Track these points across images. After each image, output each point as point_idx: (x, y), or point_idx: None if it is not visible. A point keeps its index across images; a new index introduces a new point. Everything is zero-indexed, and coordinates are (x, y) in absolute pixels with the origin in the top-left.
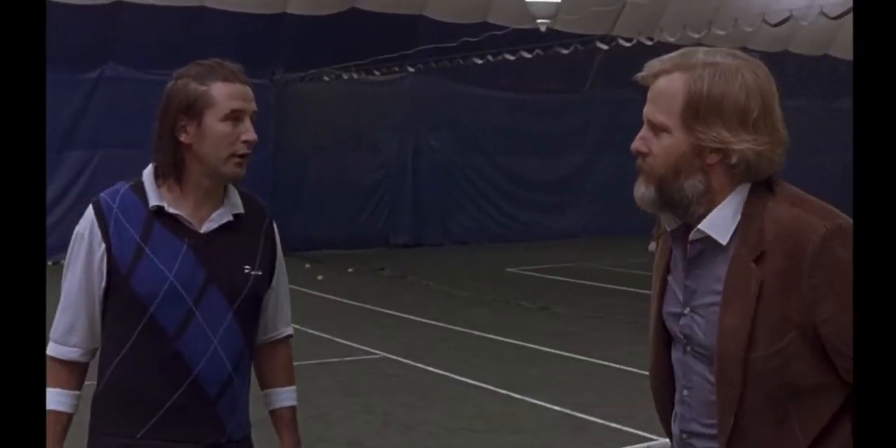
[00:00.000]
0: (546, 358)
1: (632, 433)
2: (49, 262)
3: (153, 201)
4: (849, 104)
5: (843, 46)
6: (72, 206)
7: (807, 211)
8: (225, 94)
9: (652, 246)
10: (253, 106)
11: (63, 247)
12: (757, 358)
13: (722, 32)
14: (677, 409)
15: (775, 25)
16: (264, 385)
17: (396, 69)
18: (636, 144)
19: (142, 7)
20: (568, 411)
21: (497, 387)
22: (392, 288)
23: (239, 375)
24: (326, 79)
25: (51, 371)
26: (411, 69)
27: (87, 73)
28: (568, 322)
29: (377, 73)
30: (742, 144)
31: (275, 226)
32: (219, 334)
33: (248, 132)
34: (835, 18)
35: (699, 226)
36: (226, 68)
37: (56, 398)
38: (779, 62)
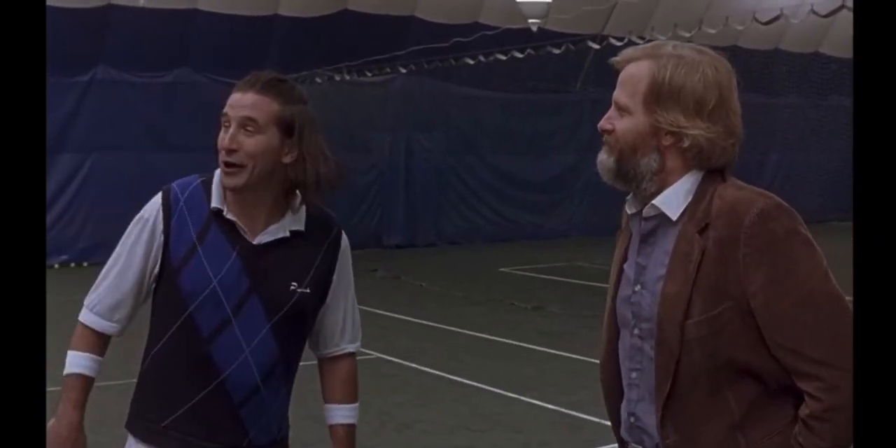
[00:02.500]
0: (540, 357)
1: None
2: None
3: (214, 203)
4: (839, 101)
5: (833, 44)
6: (64, 209)
7: (750, 192)
8: (228, 102)
9: None
10: (242, 112)
11: (57, 250)
12: (690, 324)
13: (713, 31)
14: (626, 394)
15: (766, 23)
16: (325, 399)
17: (388, 70)
18: (602, 123)
19: (133, 9)
20: (563, 410)
21: (492, 386)
22: (386, 288)
23: (269, 386)
24: (318, 80)
25: (84, 337)
26: (403, 70)
27: (79, 76)
28: (561, 321)
29: (369, 74)
30: (695, 130)
31: (343, 244)
32: (252, 345)
33: (225, 139)
34: (825, 16)
35: (653, 201)
36: (250, 78)
37: (86, 363)
38: (770, 60)
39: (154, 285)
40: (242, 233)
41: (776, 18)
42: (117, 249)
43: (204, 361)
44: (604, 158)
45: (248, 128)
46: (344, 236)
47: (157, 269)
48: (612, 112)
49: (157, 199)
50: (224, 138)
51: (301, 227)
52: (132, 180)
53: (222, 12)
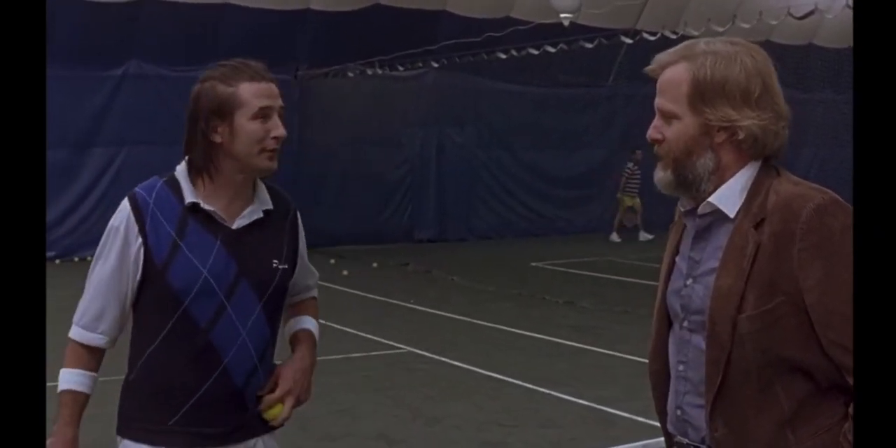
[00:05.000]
0: (571, 352)
1: (659, 427)
2: (75, 258)
3: (188, 198)
4: None
5: None
6: (97, 203)
7: (806, 188)
8: (252, 93)
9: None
10: (279, 102)
11: (89, 243)
12: (743, 318)
13: (747, 25)
14: (673, 387)
15: (800, 18)
16: (291, 315)
17: (420, 64)
18: (650, 133)
19: (165, 4)
20: (594, 405)
21: (523, 381)
22: (417, 283)
23: (263, 365)
24: (350, 74)
25: (73, 354)
26: (435, 64)
27: (112, 70)
28: (593, 316)
29: (400, 68)
30: (747, 120)
31: (299, 217)
32: (247, 326)
33: (277, 128)
34: None
35: (709, 199)
36: (250, 68)
37: (77, 379)
38: (804, 55)
39: (137, 291)
40: (221, 220)
41: (810, 13)
42: (93, 262)
43: (205, 350)
44: (660, 174)
45: (280, 114)
46: (296, 208)
47: (139, 275)
48: (657, 121)
49: (125, 206)
50: (275, 128)
51: (271, 205)
52: (164, 174)
53: (254, 6)
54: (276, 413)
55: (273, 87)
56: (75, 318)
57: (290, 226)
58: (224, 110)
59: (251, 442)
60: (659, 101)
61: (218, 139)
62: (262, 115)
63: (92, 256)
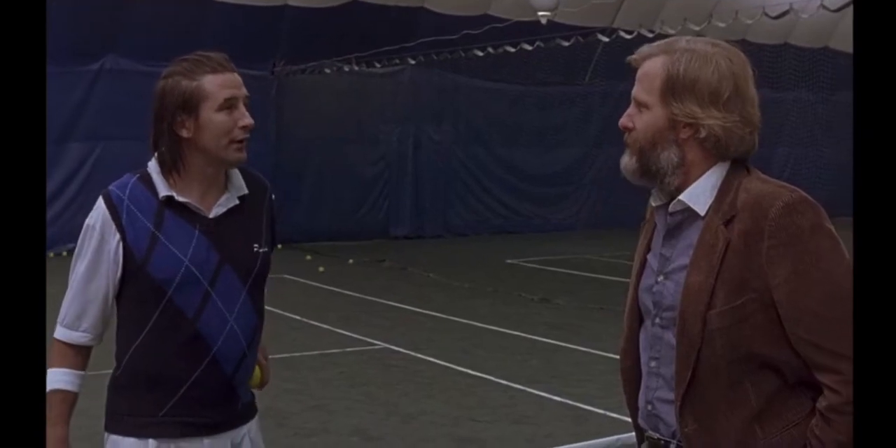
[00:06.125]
0: (547, 349)
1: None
2: (50, 254)
3: (163, 192)
4: (848, 97)
5: (843, 39)
6: (73, 198)
7: (776, 186)
8: (216, 84)
9: None
10: (244, 91)
11: (64, 238)
12: (713, 314)
13: (722, 24)
14: (644, 382)
15: (775, 18)
16: None
17: (397, 61)
18: (623, 121)
19: None
20: (569, 402)
21: (499, 378)
22: (393, 279)
23: (251, 350)
24: (327, 71)
25: (58, 353)
26: (412, 61)
27: (89, 65)
28: (568, 313)
29: (378, 65)
30: (711, 120)
31: (273, 198)
32: (234, 313)
33: (244, 118)
34: (835, 11)
35: (680, 197)
36: (212, 60)
37: (64, 378)
38: (779, 55)
39: (118, 288)
40: (197, 211)
41: (785, 13)
42: (73, 260)
43: (193, 340)
44: (626, 160)
45: (246, 104)
46: (271, 189)
47: (119, 271)
48: (631, 109)
49: (100, 204)
50: (242, 117)
51: (245, 191)
52: (136, 170)
53: (231, 2)
54: (258, 378)
55: (236, 77)
56: (59, 317)
57: (268, 209)
58: (190, 105)
59: (243, 429)
60: (635, 90)
61: (185, 134)
62: (228, 105)
63: (67, 251)
